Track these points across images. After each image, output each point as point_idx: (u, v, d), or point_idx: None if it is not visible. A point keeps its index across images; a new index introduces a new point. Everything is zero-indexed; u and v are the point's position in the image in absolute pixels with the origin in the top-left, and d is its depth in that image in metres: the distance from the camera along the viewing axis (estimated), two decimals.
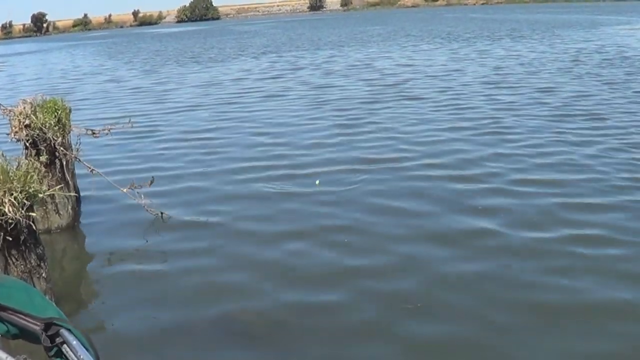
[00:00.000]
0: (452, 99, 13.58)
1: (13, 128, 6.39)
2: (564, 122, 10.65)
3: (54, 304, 1.38)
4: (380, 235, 6.12)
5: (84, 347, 1.23)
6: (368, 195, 7.32)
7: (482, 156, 8.72)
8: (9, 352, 1.22)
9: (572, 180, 7.48)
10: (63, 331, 1.24)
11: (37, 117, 6.33)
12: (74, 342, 1.22)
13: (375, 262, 5.53)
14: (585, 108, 11.71)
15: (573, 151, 8.73)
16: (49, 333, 1.24)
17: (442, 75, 17.59)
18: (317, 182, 7.78)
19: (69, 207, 6.84)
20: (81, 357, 1.20)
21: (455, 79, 16.73)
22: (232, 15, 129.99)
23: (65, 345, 1.23)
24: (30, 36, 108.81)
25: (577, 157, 8.46)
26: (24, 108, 6.41)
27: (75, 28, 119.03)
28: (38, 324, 1.25)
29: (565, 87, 14.25)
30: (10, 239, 4.45)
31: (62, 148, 6.56)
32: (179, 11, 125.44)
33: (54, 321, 1.26)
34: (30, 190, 4.59)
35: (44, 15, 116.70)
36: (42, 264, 4.73)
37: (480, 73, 17.70)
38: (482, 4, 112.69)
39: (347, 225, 6.42)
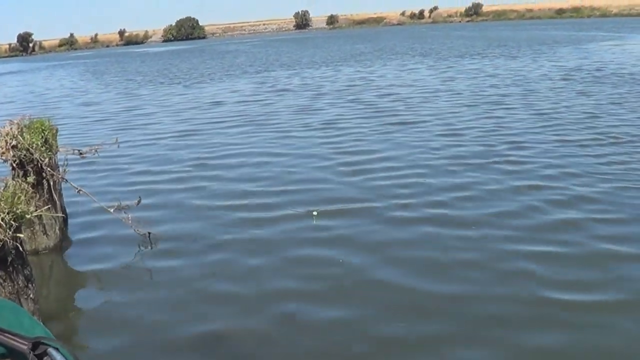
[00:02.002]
0: (443, 124, 12.95)
1: (0, 149, 6.38)
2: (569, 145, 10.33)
3: (41, 323, 1.40)
4: (372, 278, 5.72)
5: None
6: (360, 233, 6.81)
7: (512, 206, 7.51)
8: None
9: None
10: (51, 350, 1.25)
11: (24, 138, 6.33)
12: None
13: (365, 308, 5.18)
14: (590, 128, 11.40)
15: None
16: (37, 352, 1.25)
17: (431, 97, 17.21)
18: (315, 212, 7.38)
19: (57, 228, 6.82)
20: None
21: (444, 100, 16.36)
22: (218, 34, 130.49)
23: None
24: (16, 55, 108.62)
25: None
26: (11, 129, 6.41)
27: (62, 48, 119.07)
28: (25, 343, 1.26)
29: (565, 107, 13.90)
30: None
31: (49, 169, 6.55)
32: (165, 30, 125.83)
33: (42, 340, 1.27)
34: (18, 212, 4.58)
35: (30, 34, 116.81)
36: (29, 285, 4.70)
37: (473, 94, 17.33)
38: (467, 21, 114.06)
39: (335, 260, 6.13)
